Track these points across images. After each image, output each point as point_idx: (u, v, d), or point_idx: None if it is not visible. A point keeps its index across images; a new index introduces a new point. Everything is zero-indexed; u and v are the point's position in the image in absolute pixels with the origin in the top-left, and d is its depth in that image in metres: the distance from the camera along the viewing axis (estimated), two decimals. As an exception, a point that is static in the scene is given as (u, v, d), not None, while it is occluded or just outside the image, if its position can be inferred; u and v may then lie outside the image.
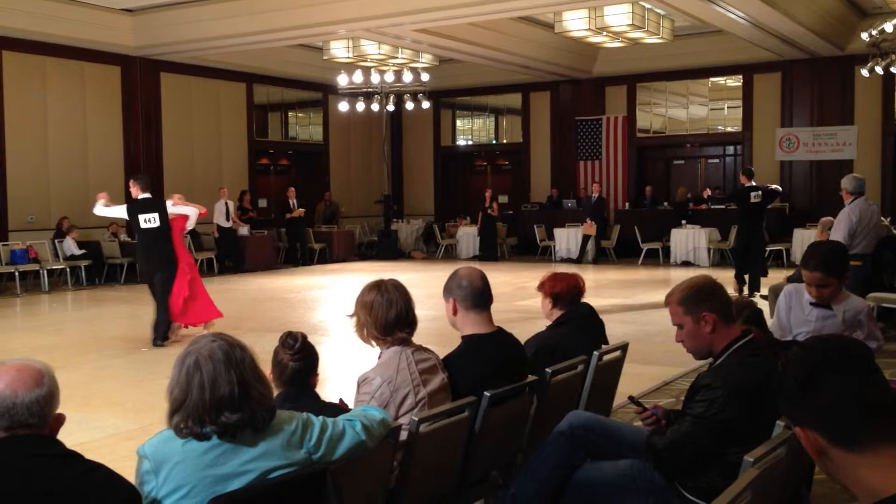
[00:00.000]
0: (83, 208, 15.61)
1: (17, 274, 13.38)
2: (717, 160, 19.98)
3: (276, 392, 2.71)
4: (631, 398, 3.24)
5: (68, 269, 14.20)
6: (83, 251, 14.35)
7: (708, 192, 15.79)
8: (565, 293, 4.15)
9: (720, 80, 19.17)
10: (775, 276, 11.77)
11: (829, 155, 17.24)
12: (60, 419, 2.05)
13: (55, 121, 15.36)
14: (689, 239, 16.37)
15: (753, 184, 11.97)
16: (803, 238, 14.91)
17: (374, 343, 3.12)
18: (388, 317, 3.04)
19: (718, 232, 16.59)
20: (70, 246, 14.27)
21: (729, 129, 19.33)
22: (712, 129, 19.54)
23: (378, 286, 3.11)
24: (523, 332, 3.84)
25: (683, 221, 16.67)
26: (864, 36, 12.90)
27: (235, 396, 2.17)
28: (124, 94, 16.37)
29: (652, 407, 3.13)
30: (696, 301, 2.92)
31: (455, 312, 3.31)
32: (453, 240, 19.42)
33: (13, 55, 14.62)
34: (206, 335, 2.28)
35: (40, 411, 1.99)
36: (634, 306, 11.02)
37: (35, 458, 1.93)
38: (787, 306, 4.16)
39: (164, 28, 15.28)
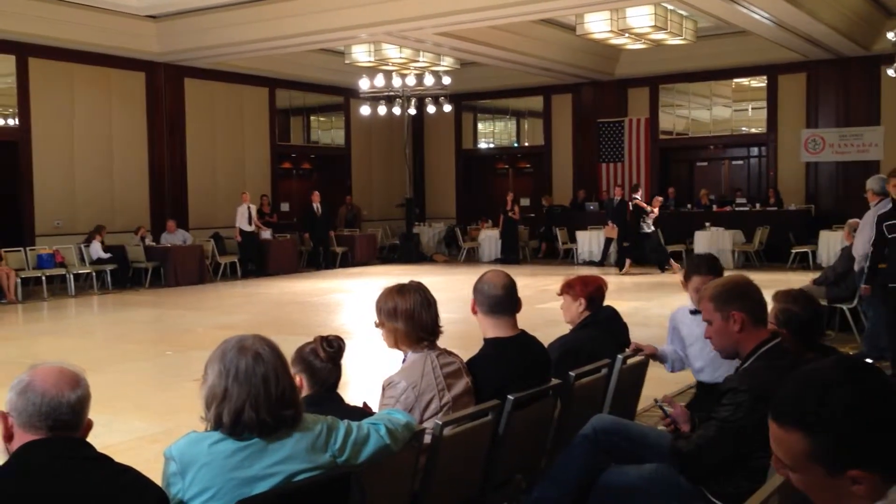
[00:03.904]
0: (109, 213, 15.80)
1: (44, 278, 13.53)
2: (741, 161, 19.84)
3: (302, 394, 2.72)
4: (657, 401, 3.20)
5: (94, 274, 14.35)
6: (109, 255, 14.49)
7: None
8: (598, 295, 4.15)
9: (744, 80, 19.03)
10: (801, 278, 11.65)
11: (855, 156, 17.07)
12: (90, 424, 2.07)
13: (81, 126, 15.54)
14: (713, 241, 16.24)
15: (636, 196, 15.90)
16: (829, 240, 14.74)
17: (405, 348, 3.09)
18: (431, 315, 3.04)
19: (743, 234, 16.47)
20: (96, 250, 14.42)
21: (753, 130, 19.18)
22: (736, 130, 19.40)
23: (409, 289, 3.07)
24: (546, 335, 3.83)
25: (707, 223, 16.57)
26: (891, 35, 12.77)
27: (290, 393, 2.22)
28: (149, 99, 16.54)
29: (674, 408, 3.10)
30: (726, 299, 2.89)
31: (475, 313, 3.32)
32: (475, 243, 19.42)
33: (40, 62, 14.81)
34: (244, 335, 2.29)
35: (81, 412, 2.01)
36: (657, 309, 10.94)
37: (70, 461, 1.95)
38: (673, 331, 4.44)
39: (187, 34, 15.42)
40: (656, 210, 15.64)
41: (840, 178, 17.56)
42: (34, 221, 14.92)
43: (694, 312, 4.13)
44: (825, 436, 1.33)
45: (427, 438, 2.77)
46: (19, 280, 13.12)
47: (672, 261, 15.41)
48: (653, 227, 15.54)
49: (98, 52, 15.30)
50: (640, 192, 16.14)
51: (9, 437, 2.00)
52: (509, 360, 3.26)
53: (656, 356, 4.38)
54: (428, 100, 18.16)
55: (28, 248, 13.87)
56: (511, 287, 3.30)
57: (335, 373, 2.86)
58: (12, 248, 13.58)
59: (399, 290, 3.08)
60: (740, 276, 3.04)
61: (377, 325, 3.11)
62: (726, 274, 3.79)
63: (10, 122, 14.85)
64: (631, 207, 15.83)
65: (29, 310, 12.48)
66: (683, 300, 3.77)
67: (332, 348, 2.84)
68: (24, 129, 14.75)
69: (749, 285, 2.99)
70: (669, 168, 20.22)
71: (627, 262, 15.48)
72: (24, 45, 14.44)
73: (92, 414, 2.08)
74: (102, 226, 14.80)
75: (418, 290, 3.08)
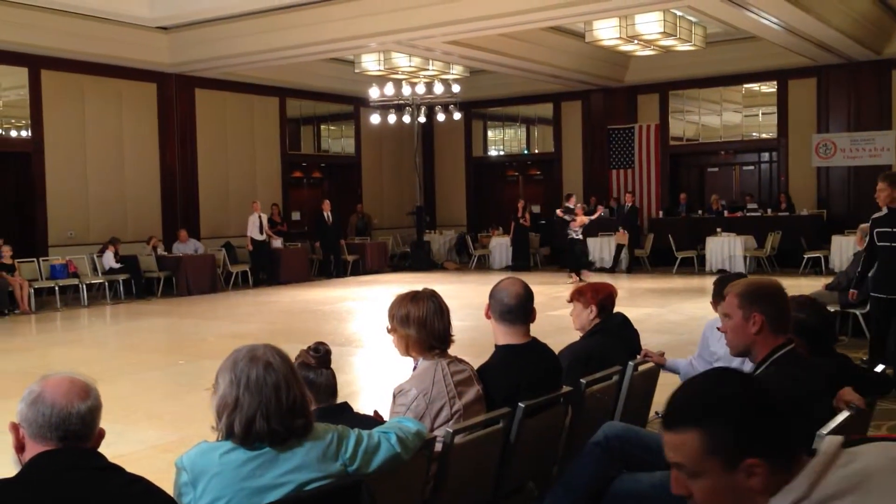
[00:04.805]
0: (121, 223, 15.89)
1: (57, 288, 13.61)
2: (752, 167, 19.77)
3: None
4: (658, 414, 3.19)
5: (107, 284, 14.42)
6: (121, 265, 14.57)
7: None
8: (608, 301, 4.14)
9: (754, 86, 18.99)
10: (814, 283, 11.59)
11: (866, 160, 16.99)
12: (102, 433, 2.08)
13: (93, 137, 15.64)
14: (724, 247, 16.19)
15: (567, 206, 15.99)
16: (841, 245, 14.67)
17: (416, 355, 3.09)
18: (444, 324, 3.04)
19: (755, 240, 16.40)
20: (109, 260, 14.49)
21: (764, 135, 19.11)
22: (747, 135, 19.33)
23: (423, 297, 3.07)
24: (557, 343, 3.82)
25: (719, 229, 16.54)
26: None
27: (301, 402, 2.22)
28: (160, 110, 16.64)
29: None
30: (753, 299, 2.86)
31: (489, 318, 3.34)
32: (486, 250, 19.41)
33: (52, 74, 14.93)
34: (255, 344, 2.29)
35: (91, 423, 2.02)
36: (670, 315, 10.91)
37: (80, 471, 1.96)
38: (704, 341, 4.50)
39: (198, 45, 15.51)
40: (580, 217, 15.57)
41: (852, 183, 17.48)
42: (47, 232, 15.01)
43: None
44: (719, 426, 1.42)
45: (438, 446, 2.76)
46: (32, 290, 13.20)
47: (587, 272, 15.20)
48: (580, 235, 15.59)
49: (110, 64, 15.41)
50: (572, 201, 16.06)
51: (20, 448, 2.01)
52: (520, 367, 3.25)
53: (666, 367, 4.36)
54: (438, 108, 18.19)
55: (41, 259, 13.96)
56: (525, 297, 3.29)
57: (331, 377, 2.87)
58: (26, 259, 13.67)
59: (412, 297, 3.09)
60: (773, 281, 3.01)
61: (389, 332, 3.11)
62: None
63: (24, 133, 14.96)
64: (561, 214, 15.94)
65: (42, 320, 12.54)
66: (697, 307, 3.75)
67: (318, 353, 2.85)
68: (37, 140, 14.86)
69: (779, 292, 2.95)
70: (680, 174, 20.18)
71: (582, 274, 15.28)
72: (36, 58, 14.55)
73: (104, 423, 2.09)
74: (117, 238, 14.89)
75: (432, 297, 3.08)
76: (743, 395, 1.46)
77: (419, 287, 3.20)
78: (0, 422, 2.34)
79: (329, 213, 17.80)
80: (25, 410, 1.99)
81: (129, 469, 2.04)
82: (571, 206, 15.85)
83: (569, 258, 15.83)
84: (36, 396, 1.99)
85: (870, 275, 6.65)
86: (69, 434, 1.97)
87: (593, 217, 16.01)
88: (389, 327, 3.10)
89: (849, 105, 17.42)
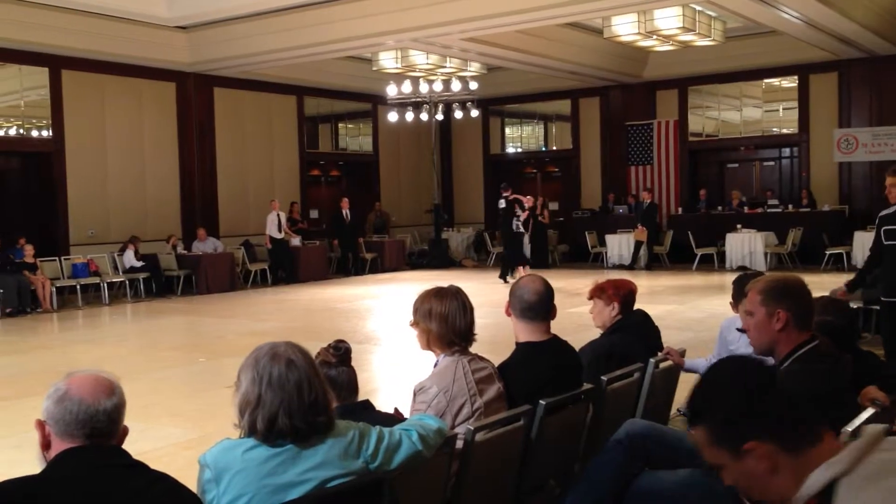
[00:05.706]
0: (141, 221, 15.99)
1: (78, 287, 13.73)
2: (772, 162, 19.61)
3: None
4: (680, 411, 3.17)
5: (127, 282, 14.53)
6: (142, 264, 14.67)
7: None
8: (630, 298, 4.13)
9: (774, 81, 18.82)
10: (835, 279, 11.48)
11: (889, 155, 16.79)
12: (126, 430, 2.09)
13: (113, 137, 15.75)
14: (744, 243, 16.08)
15: (506, 195, 15.50)
16: (863, 241, 14.50)
17: (437, 350, 3.10)
18: (466, 321, 3.05)
19: (775, 236, 16.28)
20: (130, 258, 14.60)
21: (785, 130, 18.96)
22: (767, 131, 19.18)
23: (447, 293, 3.08)
24: (577, 340, 3.81)
25: (739, 225, 16.42)
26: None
27: (323, 399, 2.23)
28: (179, 109, 16.73)
29: None
30: (776, 296, 2.83)
31: (509, 315, 3.34)
32: (504, 248, 19.37)
33: (72, 74, 15.04)
34: (276, 342, 2.30)
35: (117, 420, 2.03)
36: (690, 312, 10.84)
37: (106, 468, 1.97)
38: (721, 339, 4.61)
39: (217, 44, 15.58)
40: (525, 211, 15.34)
41: (874, 178, 17.25)
42: (68, 231, 15.14)
43: (741, 331, 4.06)
44: (716, 418, 1.52)
45: (459, 444, 2.76)
46: (54, 289, 13.33)
47: (522, 268, 14.76)
48: (522, 229, 15.30)
49: (129, 64, 15.50)
50: (509, 192, 15.56)
51: (46, 446, 2.02)
52: (541, 364, 3.25)
53: (686, 367, 4.33)
54: (455, 105, 18.18)
55: (63, 258, 14.09)
56: (546, 294, 3.29)
57: (351, 374, 2.88)
58: (47, 258, 13.80)
59: (437, 292, 3.10)
60: (795, 277, 2.98)
61: (412, 325, 3.13)
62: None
63: (44, 133, 15.08)
64: (504, 205, 15.50)
65: (64, 318, 12.66)
66: (717, 304, 3.72)
67: (338, 351, 2.86)
68: (58, 140, 14.98)
69: (802, 288, 2.92)
70: (699, 170, 20.05)
71: (520, 269, 14.90)
72: (57, 58, 14.67)
73: (126, 421, 2.10)
74: (137, 237, 15.00)
75: (456, 294, 3.09)
76: (734, 384, 1.54)
77: (436, 285, 3.20)
78: (25, 419, 2.36)
79: (347, 211, 17.84)
80: (52, 408, 2.00)
81: (152, 466, 2.05)
82: (509, 198, 15.45)
83: (517, 253, 15.35)
84: (63, 394, 2.00)
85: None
86: (95, 431, 1.98)
87: (525, 212, 15.70)
88: (413, 321, 3.11)
89: (870, 99, 17.24)
